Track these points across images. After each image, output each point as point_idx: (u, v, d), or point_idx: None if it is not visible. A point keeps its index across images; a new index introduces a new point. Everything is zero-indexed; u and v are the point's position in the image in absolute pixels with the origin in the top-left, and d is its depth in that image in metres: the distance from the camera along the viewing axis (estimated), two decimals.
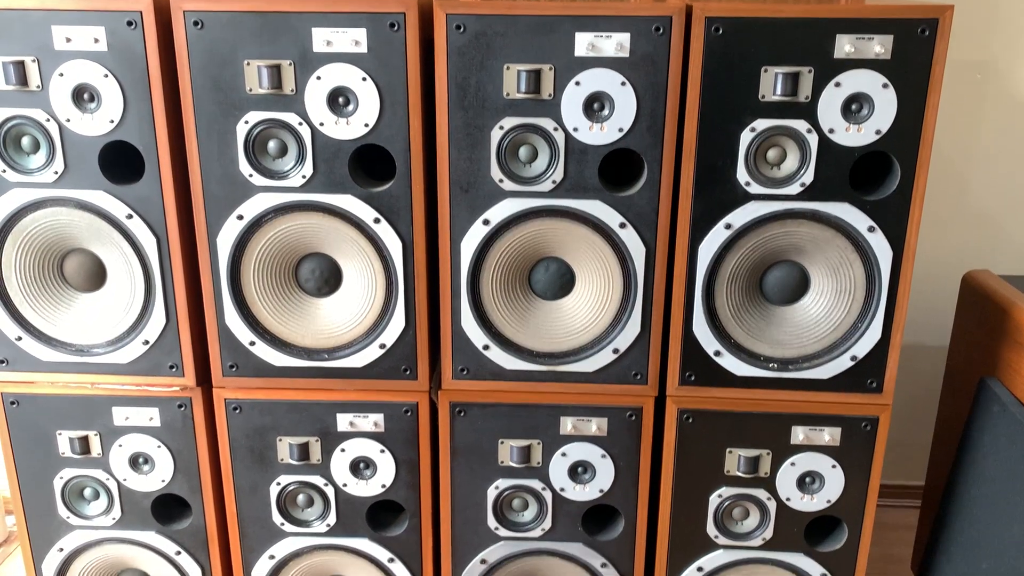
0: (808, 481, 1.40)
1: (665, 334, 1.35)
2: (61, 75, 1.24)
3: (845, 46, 1.18)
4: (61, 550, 1.51)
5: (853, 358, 1.32)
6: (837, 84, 1.19)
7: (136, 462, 1.45)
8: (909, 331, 1.97)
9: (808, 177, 1.24)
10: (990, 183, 1.91)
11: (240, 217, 1.30)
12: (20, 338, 1.38)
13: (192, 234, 1.32)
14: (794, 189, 1.25)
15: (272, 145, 1.26)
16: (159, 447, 1.43)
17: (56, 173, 1.29)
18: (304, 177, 1.27)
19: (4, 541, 2.04)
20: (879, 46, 1.17)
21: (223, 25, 1.21)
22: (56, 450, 1.45)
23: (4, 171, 1.29)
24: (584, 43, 1.20)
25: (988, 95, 1.86)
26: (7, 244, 1.33)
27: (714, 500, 1.42)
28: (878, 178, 1.28)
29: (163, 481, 1.46)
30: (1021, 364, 1.39)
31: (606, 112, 1.23)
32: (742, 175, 1.24)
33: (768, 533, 1.43)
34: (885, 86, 1.19)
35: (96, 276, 1.36)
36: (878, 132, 1.21)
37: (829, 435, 1.37)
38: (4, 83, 1.24)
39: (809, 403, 1.36)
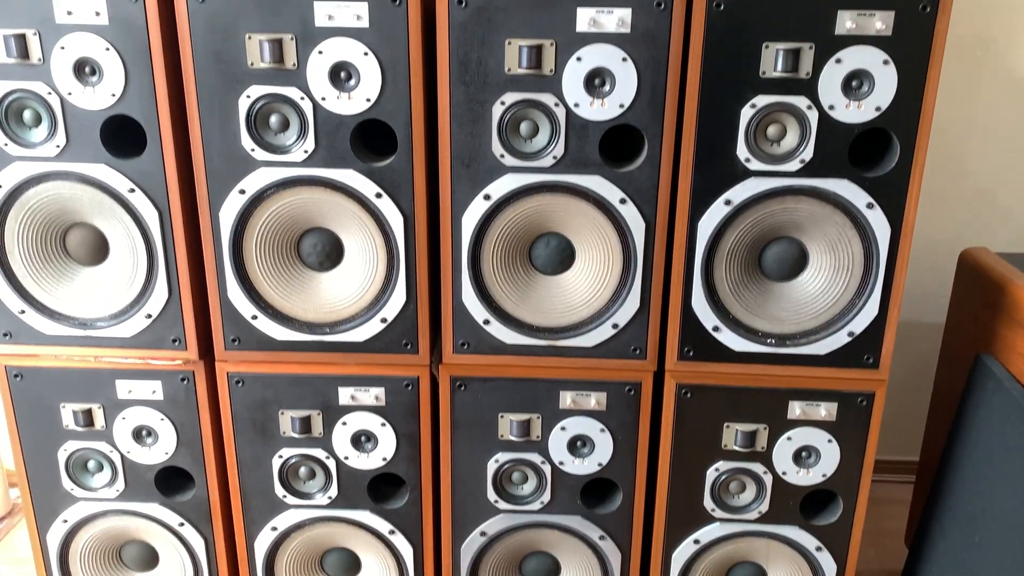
0: (804, 455, 1.42)
1: (664, 309, 1.36)
2: (62, 48, 1.24)
3: (846, 22, 1.18)
4: (65, 521, 1.52)
5: (850, 334, 1.34)
6: (838, 60, 1.20)
7: (139, 435, 1.46)
8: (906, 308, 1.98)
9: (808, 154, 1.24)
10: (988, 160, 1.92)
11: (242, 191, 1.30)
12: (23, 311, 1.39)
13: (194, 208, 1.33)
14: (794, 165, 1.25)
15: (274, 119, 1.27)
16: (162, 420, 1.45)
17: (58, 147, 1.29)
18: (306, 152, 1.28)
19: (8, 513, 2.06)
20: (880, 22, 1.18)
21: None
22: (60, 423, 1.46)
23: (6, 145, 1.29)
24: (586, 18, 1.20)
25: (988, 71, 1.86)
26: (10, 218, 1.33)
27: (711, 474, 1.44)
28: (877, 155, 1.28)
29: (166, 454, 1.47)
30: (1017, 341, 1.40)
31: (607, 88, 1.23)
32: (742, 151, 1.25)
33: (764, 506, 1.45)
34: (886, 63, 1.19)
35: (99, 250, 1.37)
36: (878, 109, 1.22)
37: (825, 410, 1.38)
38: (5, 56, 1.24)
39: (806, 378, 1.37)
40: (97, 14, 1.22)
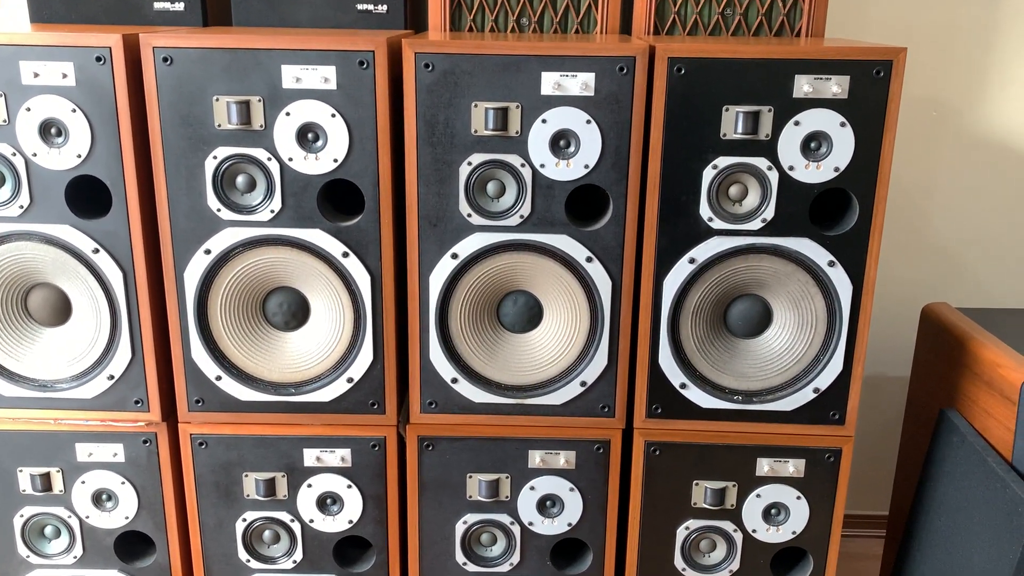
0: (773, 513, 1.41)
1: (632, 367, 1.36)
2: (28, 109, 1.24)
3: (804, 86, 1.21)
4: None
5: (816, 390, 1.34)
6: (796, 123, 1.23)
7: (99, 499, 1.43)
8: (872, 362, 2.00)
9: (769, 213, 1.26)
10: (948, 217, 1.96)
11: (208, 251, 1.29)
12: None
13: (159, 268, 1.32)
14: (756, 224, 1.27)
15: (241, 180, 1.27)
16: (123, 483, 1.42)
17: (22, 207, 1.28)
18: (272, 212, 1.28)
19: None
20: (836, 86, 1.21)
21: (193, 61, 1.22)
22: (16, 487, 1.42)
23: None
24: (550, 82, 1.22)
25: (945, 130, 1.91)
26: None
27: (681, 532, 1.43)
28: (837, 213, 1.31)
29: (127, 518, 1.44)
30: (979, 396, 1.42)
31: (572, 149, 1.25)
32: (705, 211, 1.27)
33: (735, 565, 1.44)
34: (843, 125, 1.22)
35: (61, 311, 1.35)
36: (836, 169, 1.24)
37: (794, 467, 1.38)
38: None
39: (774, 435, 1.38)
40: (64, 76, 1.23)
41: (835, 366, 1.33)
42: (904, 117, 1.84)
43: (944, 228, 1.97)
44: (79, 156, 1.26)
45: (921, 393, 1.64)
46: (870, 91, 1.21)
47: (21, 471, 1.41)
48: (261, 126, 1.24)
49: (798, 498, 1.40)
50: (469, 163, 1.26)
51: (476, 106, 1.23)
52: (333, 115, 1.23)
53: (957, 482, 1.41)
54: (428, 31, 1.54)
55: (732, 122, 1.23)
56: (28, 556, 1.46)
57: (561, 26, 1.55)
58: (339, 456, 1.39)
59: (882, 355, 2.01)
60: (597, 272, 1.30)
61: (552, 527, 1.43)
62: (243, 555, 1.45)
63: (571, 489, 1.41)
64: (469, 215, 1.28)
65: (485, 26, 1.55)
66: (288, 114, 1.23)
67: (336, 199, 1.32)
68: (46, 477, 1.41)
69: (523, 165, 1.25)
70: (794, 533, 1.42)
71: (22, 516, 1.44)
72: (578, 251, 1.29)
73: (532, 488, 1.41)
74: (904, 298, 1.96)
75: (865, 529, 2.14)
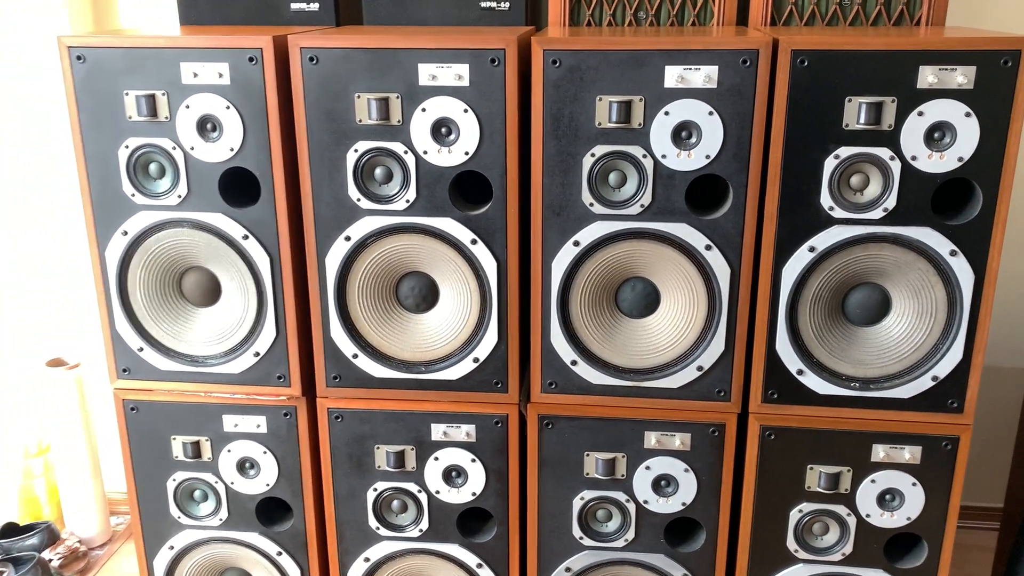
0: (888, 498, 1.43)
1: (748, 353, 1.39)
2: (187, 107, 1.35)
3: (928, 77, 1.22)
4: (171, 548, 1.61)
5: (934, 378, 1.35)
6: (920, 113, 1.24)
7: (243, 467, 1.55)
8: (993, 352, 1.97)
9: (891, 202, 1.28)
10: None
11: (347, 238, 1.39)
12: (142, 349, 1.49)
13: (303, 254, 1.42)
14: (877, 214, 1.29)
15: (379, 171, 1.36)
16: (265, 453, 1.53)
17: (180, 197, 1.40)
18: (408, 201, 1.36)
19: (108, 540, 2.17)
20: (962, 76, 1.21)
21: (336, 61, 1.31)
22: (170, 454, 1.55)
23: (133, 195, 1.40)
24: (673, 75, 1.26)
25: None
26: (133, 262, 1.44)
27: (794, 515, 1.46)
28: (961, 202, 1.31)
29: (267, 485, 1.55)
30: None
31: (693, 140, 1.29)
32: (825, 200, 1.29)
33: (848, 548, 1.46)
34: (968, 115, 1.23)
35: (212, 292, 1.47)
36: (960, 159, 1.25)
37: (909, 453, 1.40)
38: (137, 114, 1.36)
39: (890, 422, 1.39)
40: (220, 75, 1.33)
41: (954, 355, 1.34)
42: None
43: None
44: (231, 149, 1.37)
45: None
46: (997, 81, 1.21)
47: (175, 439, 1.54)
48: (399, 121, 1.32)
49: (913, 485, 1.41)
50: (592, 154, 1.31)
51: (600, 100, 1.28)
52: (465, 110, 1.30)
53: None
54: (548, 27, 1.59)
55: (855, 113, 1.25)
56: (179, 517, 1.59)
57: (678, 18, 1.59)
58: (464, 432, 1.47)
59: (1006, 346, 1.98)
60: (716, 260, 1.34)
61: (666, 506, 1.48)
62: (373, 523, 1.55)
63: (686, 470, 1.45)
64: (591, 204, 1.33)
65: (603, 20, 1.60)
66: (424, 110, 1.31)
67: (465, 189, 1.40)
68: (196, 445, 1.54)
69: (645, 156, 1.30)
70: (908, 519, 1.43)
71: (175, 480, 1.57)
72: (697, 239, 1.33)
73: (647, 468, 1.46)
74: None
75: (979, 520, 2.11)
